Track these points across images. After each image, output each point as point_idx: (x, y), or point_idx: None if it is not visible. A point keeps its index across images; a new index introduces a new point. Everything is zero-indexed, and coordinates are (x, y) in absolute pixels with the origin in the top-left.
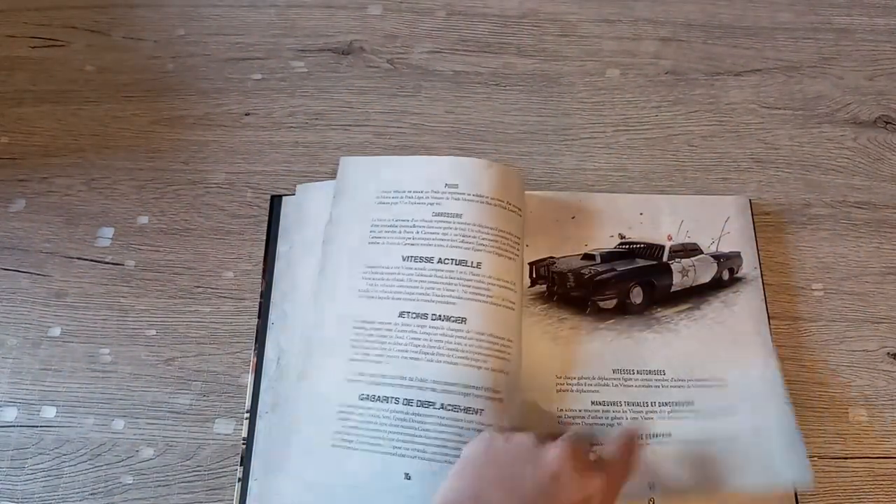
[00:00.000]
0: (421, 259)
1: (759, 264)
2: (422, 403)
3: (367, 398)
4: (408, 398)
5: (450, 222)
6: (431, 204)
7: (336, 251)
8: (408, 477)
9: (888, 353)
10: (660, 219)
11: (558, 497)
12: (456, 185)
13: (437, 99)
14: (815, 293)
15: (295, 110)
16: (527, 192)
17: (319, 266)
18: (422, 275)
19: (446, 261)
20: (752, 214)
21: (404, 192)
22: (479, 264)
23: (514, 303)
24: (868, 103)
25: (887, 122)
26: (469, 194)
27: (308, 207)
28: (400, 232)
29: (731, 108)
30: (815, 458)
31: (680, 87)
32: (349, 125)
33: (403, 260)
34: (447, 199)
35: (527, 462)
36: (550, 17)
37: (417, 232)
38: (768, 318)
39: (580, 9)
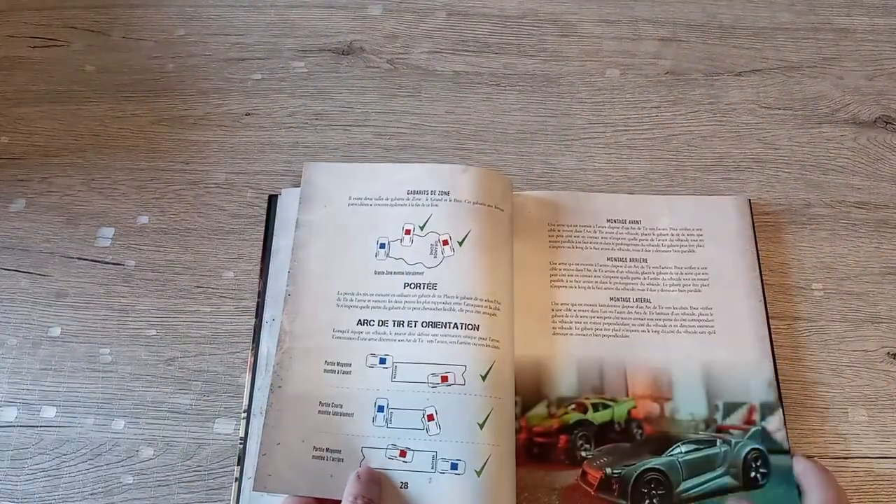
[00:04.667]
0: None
1: (759, 264)
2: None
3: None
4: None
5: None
6: (404, 206)
7: (306, 257)
8: (405, 486)
9: (888, 353)
10: (658, 221)
11: None
12: (428, 191)
13: (437, 99)
14: (815, 293)
15: (295, 110)
16: (525, 193)
17: (290, 272)
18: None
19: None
20: (752, 214)
21: (376, 198)
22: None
23: (499, 303)
24: (868, 103)
25: (887, 122)
26: (444, 198)
27: (291, 212)
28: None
29: (731, 108)
30: (816, 458)
31: (680, 87)
32: (349, 125)
33: (375, 274)
34: (420, 204)
35: None
36: (550, 17)
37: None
38: (768, 318)
39: (580, 9)
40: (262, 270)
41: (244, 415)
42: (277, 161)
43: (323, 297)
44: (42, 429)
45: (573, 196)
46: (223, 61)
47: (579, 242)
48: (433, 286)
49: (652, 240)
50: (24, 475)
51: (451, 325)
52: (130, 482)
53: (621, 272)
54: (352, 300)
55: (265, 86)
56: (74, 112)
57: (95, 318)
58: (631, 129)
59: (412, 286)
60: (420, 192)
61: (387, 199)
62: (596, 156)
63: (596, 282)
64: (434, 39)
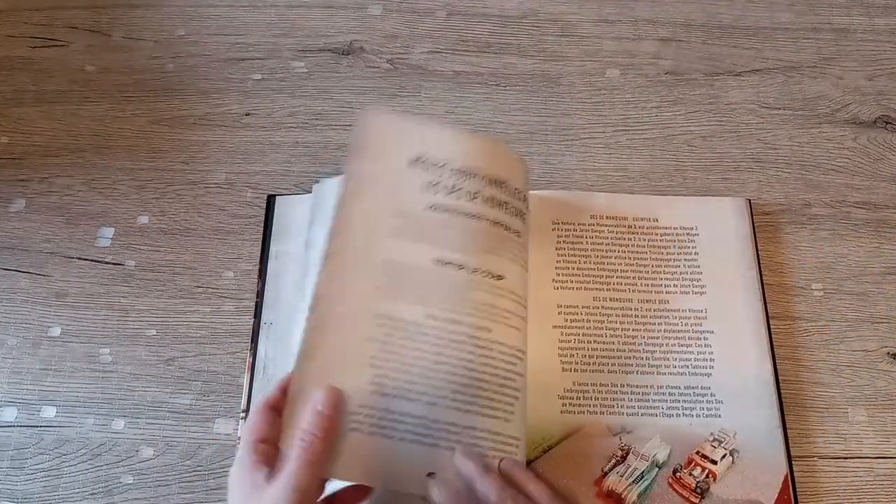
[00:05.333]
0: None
1: (759, 264)
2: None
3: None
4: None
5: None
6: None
7: (353, 214)
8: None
9: (888, 353)
10: (658, 220)
11: None
12: (480, 175)
13: (437, 99)
14: (815, 293)
15: (295, 110)
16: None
17: (317, 270)
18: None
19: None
20: (752, 215)
21: (434, 163)
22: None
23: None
24: (868, 103)
25: (887, 122)
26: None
27: (290, 220)
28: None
29: (731, 108)
30: (816, 458)
31: (680, 87)
32: (349, 125)
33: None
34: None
35: None
36: (550, 17)
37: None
38: (767, 318)
39: (580, 9)
40: (260, 271)
41: (244, 415)
42: (277, 161)
43: (364, 258)
44: (42, 429)
45: (573, 195)
46: (223, 61)
47: (580, 242)
48: (499, 276)
49: (651, 239)
50: (24, 475)
51: (505, 311)
52: (130, 482)
53: (621, 269)
54: (396, 266)
55: (265, 86)
56: (74, 112)
57: (95, 318)
58: (631, 129)
59: (455, 266)
60: (474, 174)
61: (446, 166)
62: (596, 156)
63: (596, 280)
64: (434, 39)
